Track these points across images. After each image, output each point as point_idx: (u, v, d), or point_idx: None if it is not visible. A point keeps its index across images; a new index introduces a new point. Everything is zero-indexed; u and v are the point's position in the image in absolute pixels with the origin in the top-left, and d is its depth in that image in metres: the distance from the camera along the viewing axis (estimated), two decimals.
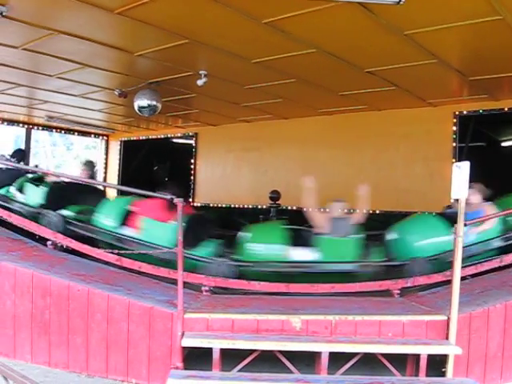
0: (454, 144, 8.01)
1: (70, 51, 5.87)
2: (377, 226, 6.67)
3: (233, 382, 3.74)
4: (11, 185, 7.06)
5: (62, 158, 23.51)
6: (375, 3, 4.01)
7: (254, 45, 5.53)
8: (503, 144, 10.53)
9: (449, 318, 4.03)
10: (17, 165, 6.99)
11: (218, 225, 7.32)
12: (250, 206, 10.45)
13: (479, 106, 7.78)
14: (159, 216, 5.82)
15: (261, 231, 6.10)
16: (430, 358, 3.95)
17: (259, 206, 10.10)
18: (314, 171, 9.51)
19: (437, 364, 4.03)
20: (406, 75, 6.34)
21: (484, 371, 4.11)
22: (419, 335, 4.13)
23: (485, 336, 4.12)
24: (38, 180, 6.92)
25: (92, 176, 6.81)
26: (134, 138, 12.96)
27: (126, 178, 12.69)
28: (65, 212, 6.23)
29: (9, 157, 7.53)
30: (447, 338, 4.02)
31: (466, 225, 4.14)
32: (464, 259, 5.36)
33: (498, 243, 5.53)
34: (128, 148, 13.15)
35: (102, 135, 13.31)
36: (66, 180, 7.05)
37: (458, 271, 4.06)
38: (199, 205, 11.41)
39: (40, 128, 12.29)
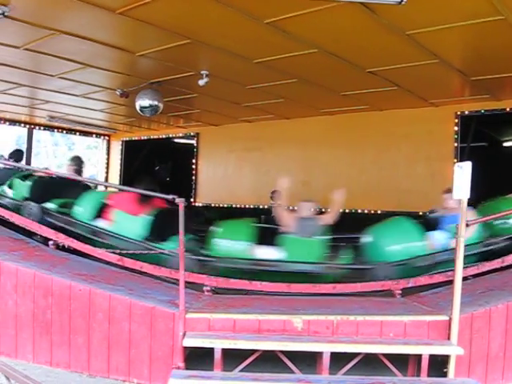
0: (456, 144, 8.01)
1: (71, 51, 5.89)
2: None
3: (234, 382, 3.73)
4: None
5: (63, 157, 23.53)
6: (377, 3, 4.01)
7: (256, 45, 5.53)
8: (505, 144, 10.53)
9: (450, 319, 4.02)
10: (15, 164, 7.07)
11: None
12: (252, 206, 10.45)
13: (481, 106, 7.78)
14: (130, 209, 5.97)
15: (229, 227, 6.05)
16: (432, 358, 3.94)
17: (260, 206, 10.10)
18: (316, 171, 9.60)
19: (438, 364, 4.02)
20: (407, 75, 6.34)
21: (486, 371, 4.10)
22: (421, 335, 4.12)
23: (486, 336, 4.11)
24: (26, 176, 7.09)
25: (78, 171, 6.94)
26: (136, 138, 12.98)
27: (127, 177, 12.69)
28: (49, 205, 6.40)
29: (7, 157, 7.60)
30: (449, 339, 4.02)
31: (468, 225, 4.13)
32: (436, 266, 5.39)
33: (477, 250, 5.39)
34: (129, 148, 13.17)
35: (104, 135, 13.34)
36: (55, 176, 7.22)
37: (459, 271, 4.06)
38: (201, 205, 11.43)
39: (42, 128, 12.34)
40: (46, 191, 6.60)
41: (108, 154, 13.48)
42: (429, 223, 5.84)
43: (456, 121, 8.02)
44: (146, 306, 4.19)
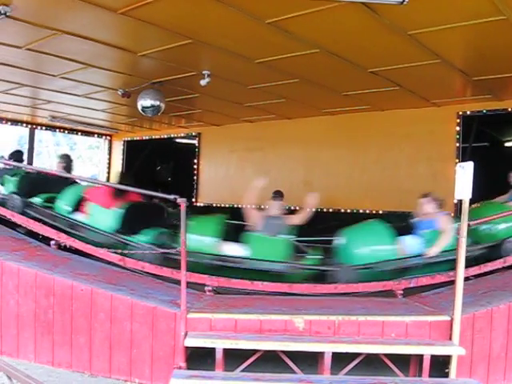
0: (458, 144, 7.99)
1: (73, 51, 5.89)
2: None
3: (236, 381, 3.74)
4: None
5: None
6: (379, 3, 4.00)
7: (258, 45, 5.53)
8: (507, 144, 10.50)
9: (452, 319, 4.02)
10: (15, 164, 7.15)
11: None
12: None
13: (483, 106, 7.76)
14: (103, 202, 6.10)
15: (197, 223, 6.04)
16: (433, 358, 3.94)
17: (262, 206, 10.07)
18: (317, 171, 9.59)
19: (440, 365, 4.02)
20: (409, 75, 6.33)
21: (487, 372, 4.10)
22: (422, 336, 4.12)
23: (488, 337, 4.11)
24: (16, 173, 7.26)
25: (67, 168, 7.19)
26: (138, 138, 12.97)
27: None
28: (36, 199, 6.59)
29: (7, 158, 7.68)
30: (450, 339, 4.02)
31: (469, 225, 4.11)
32: (404, 271, 5.36)
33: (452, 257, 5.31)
34: (131, 148, 13.18)
35: (106, 135, 13.35)
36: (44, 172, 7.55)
37: (461, 272, 4.05)
38: (202, 205, 11.43)
39: (43, 128, 12.36)
40: (32, 186, 6.81)
41: (110, 153, 13.48)
42: (410, 228, 5.81)
43: (458, 121, 7.99)
44: (148, 306, 4.20)
